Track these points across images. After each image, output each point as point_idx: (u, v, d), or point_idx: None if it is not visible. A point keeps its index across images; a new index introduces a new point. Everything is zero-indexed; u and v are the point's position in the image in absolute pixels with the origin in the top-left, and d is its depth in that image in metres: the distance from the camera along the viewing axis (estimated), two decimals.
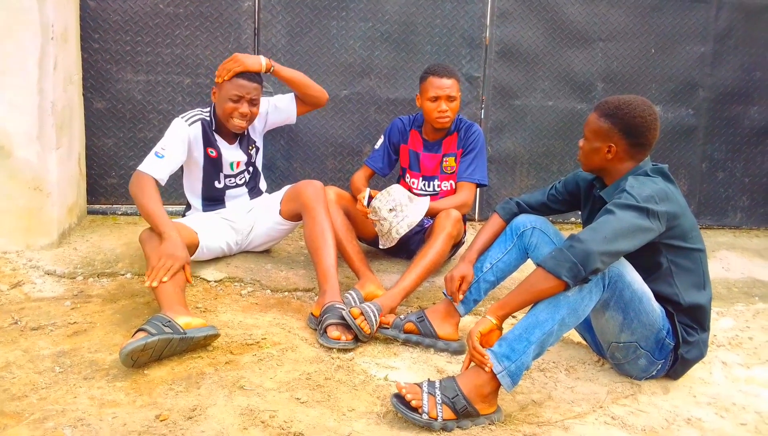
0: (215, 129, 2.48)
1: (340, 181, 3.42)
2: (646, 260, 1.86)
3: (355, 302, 2.27)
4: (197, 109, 2.49)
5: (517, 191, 3.66)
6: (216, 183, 2.51)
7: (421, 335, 2.11)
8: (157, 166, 2.26)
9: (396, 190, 2.46)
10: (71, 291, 2.31)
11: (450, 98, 2.61)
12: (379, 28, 3.34)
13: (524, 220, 2.09)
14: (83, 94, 3.02)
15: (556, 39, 3.56)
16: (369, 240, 2.76)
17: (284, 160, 3.34)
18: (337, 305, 2.12)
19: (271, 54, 3.22)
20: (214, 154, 2.45)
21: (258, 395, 1.70)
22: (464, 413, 1.65)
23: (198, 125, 2.42)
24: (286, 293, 2.49)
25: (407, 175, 2.84)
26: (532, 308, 1.76)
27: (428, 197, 2.56)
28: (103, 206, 3.14)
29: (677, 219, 1.83)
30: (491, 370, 1.67)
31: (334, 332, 2.03)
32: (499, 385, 1.68)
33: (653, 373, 1.94)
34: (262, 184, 2.78)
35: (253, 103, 2.42)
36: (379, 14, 3.33)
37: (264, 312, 2.28)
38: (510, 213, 2.17)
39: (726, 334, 2.44)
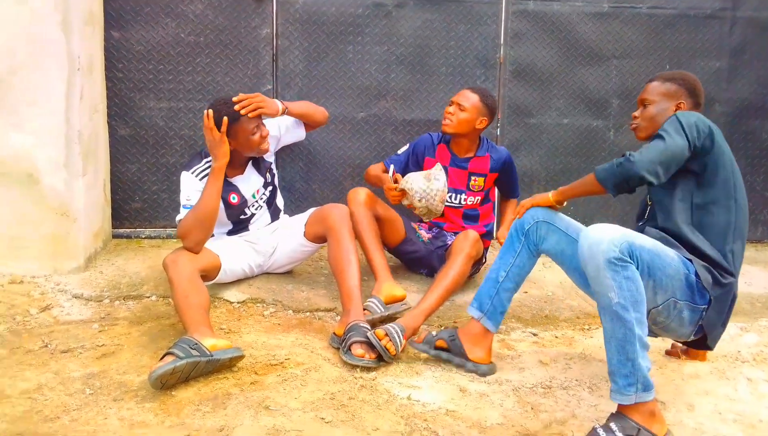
0: (225, 173, 2.44)
1: None
2: (673, 198, 1.91)
3: (378, 308, 2.34)
4: (199, 163, 2.45)
5: None
6: (242, 216, 2.57)
7: (451, 354, 2.13)
8: None
9: (412, 180, 2.51)
10: (98, 314, 2.37)
11: (460, 107, 2.72)
12: (395, 51, 3.40)
13: (527, 217, 2.11)
14: (108, 122, 3.11)
15: (569, 57, 3.59)
16: (392, 248, 2.81)
17: (303, 182, 3.39)
18: (362, 324, 2.15)
19: (289, 79, 3.30)
20: (236, 199, 2.51)
21: (283, 415, 1.72)
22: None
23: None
24: (308, 313, 2.52)
25: (436, 162, 2.87)
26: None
27: (438, 164, 2.62)
28: (128, 230, 3.20)
29: (714, 150, 1.86)
30: None
31: (358, 350, 2.05)
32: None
33: (700, 323, 1.85)
34: (279, 201, 2.82)
35: (263, 124, 2.50)
36: (394, 38, 3.39)
37: (287, 332, 2.31)
38: None
39: (750, 350, 2.42)
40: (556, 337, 2.49)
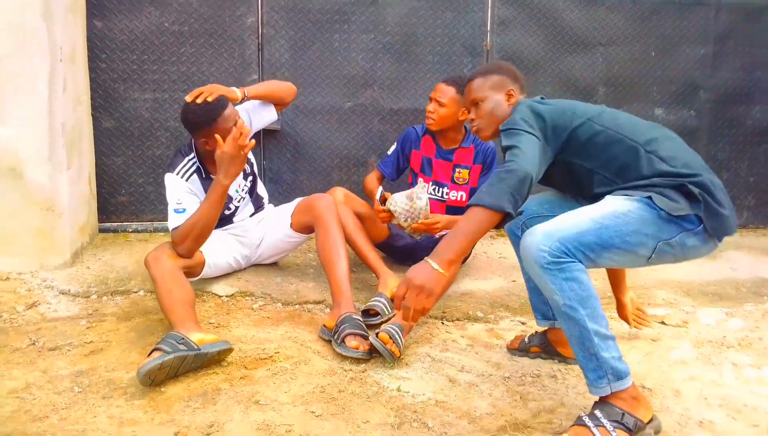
0: (207, 171, 2.43)
1: None
2: (575, 182, 1.87)
3: (386, 307, 2.37)
4: (181, 162, 2.40)
5: None
6: (227, 211, 2.53)
7: (549, 355, 2.18)
8: (184, 218, 2.27)
9: (396, 202, 2.51)
10: (86, 310, 2.35)
11: (439, 103, 2.71)
12: (381, 39, 3.38)
13: (513, 225, 2.08)
14: (92, 114, 3.07)
15: (556, 45, 3.59)
16: (377, 243, 2.80)
17: (290, 173, 3.38)
18: (354, 316, 2.15)
19: (275, 69, 3.27)
20: None
21: (273, 409, 1.72)
22: None
23: (195, 178, 2.39)
24: (297, 306, 2.51)
25: (419, 179, 2.87)
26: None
27: (420, 181, 2.62)
28: (114, 224, 3.18)
29: (565, 127, 1.81)
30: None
31: (352, 342, 2.06)
32: None
33: (701, 230, 1.70)
34: (261, 189, 2.77)
35: (239, 118, 2.37)
36: (381, 26, 3.37)
37: (276, 326, 2.31)
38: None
39: (736, 335, 2.45)
40: None
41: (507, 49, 3.53)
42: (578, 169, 1.85)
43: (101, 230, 3.14)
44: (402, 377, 1.97)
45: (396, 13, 3.37)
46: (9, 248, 2.57)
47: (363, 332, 2.10)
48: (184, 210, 2.29)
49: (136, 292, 2.53)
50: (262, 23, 3.23)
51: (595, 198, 1.79)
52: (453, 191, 2.84)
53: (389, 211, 2.54)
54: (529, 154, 1.69)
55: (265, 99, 2.65)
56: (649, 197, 1.68)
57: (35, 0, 2.48)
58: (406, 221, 2.52)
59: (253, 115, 2.65)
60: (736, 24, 3.75)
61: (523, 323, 2.54)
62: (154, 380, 1.77)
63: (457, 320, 2.53)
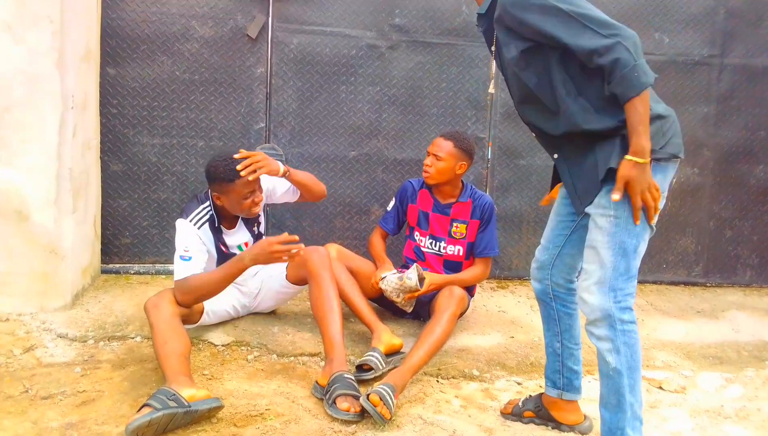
0: (219, 223, 2.47)
1: (348, 239, 3.48)
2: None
3: (380, 363, 2.38)
4: (196, 209, 2.43)
5: (523, 249, 3.69)
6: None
7: (542, 420, 2.15)
8: (189, 268, 2.27)
9: (387, 282, 2.66)
10: (82, 356, 2.36)
11: (436, 157, 2.75)
12: (387, 92, 3.44)
13: (534, 282, 2.10)
14: (100, 157, 3.13)
15: None
16: (370, 298, 2.81)
17: (293, 219, 3.41)
18: (346, 375, 2.15)
19: (282, 117, 3.33)
20: (225, 250, 2.50)
21: None
22: None
23: (206, 228, 2.42)
24: (292, 358, 2.51)
25: (416, 232, 2.93)
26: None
27: (415, 265, 2.66)
28: (117, 266, 3.21)
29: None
30: None
31: (343, 403, 2.05)
32: None
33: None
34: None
35: (260, 188, 2.43)
36: (387, 79, 3.44)
37: (269, 379, 2.31)
38: None
39: (734, 404, 2.42)
40: (540, 386, 2.48)
41: (509, 103, 3.57)
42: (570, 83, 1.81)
43: (104, 271, 3.17)
44: None
45: (402, 66, 3.44)
46: (10, 288, 2.60)
47: (355, 393, 2.09)
48: (190, 258, 2.31)
49: (133, 338, 2.54)
50: (271, 73, 3.30)
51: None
52: (450, 246, 2.86)
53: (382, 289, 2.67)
54: (610, 24, 1.69)
55: (301, 187, 2.66)
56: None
57: (50, 50, 2.56)
58: (398, 296, 2.66)
59: (279, 189, 2.67)
60: (740, 84, 3.79)
61: (518, 384, 2.52)
62: (142, 435, 1.77)
63: (452, 377, 2.51)
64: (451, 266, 2.86)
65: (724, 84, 3.79)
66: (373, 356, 2.40)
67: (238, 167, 2.29)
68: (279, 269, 2.63)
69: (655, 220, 1.75)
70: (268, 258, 2.19)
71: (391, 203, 2.99)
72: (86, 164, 2.91)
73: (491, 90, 3.56)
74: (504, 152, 3.61)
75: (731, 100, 3.81)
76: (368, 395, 2.03)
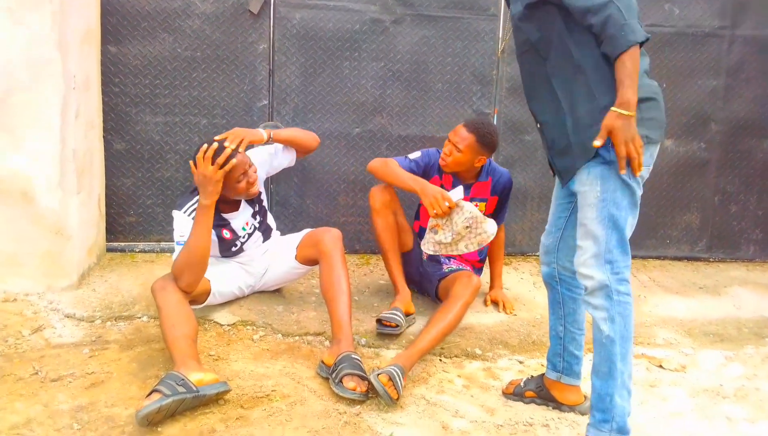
0: (218, 210, 2.44)
1: (351, 215, 3.49)
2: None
3: (402, 321, 2.55)
4: (190, 200, 2.41)
5: (527, 225, 3.69)
6: (233, 248, 2.56)
7: (543, 400, 2.19)
8: None
9: (469, 206, 2.49)
10: (89, 336, 2.40)
11: (456, 147, 2.68)
12: (391, 67, 3.40)
13: (543, 266, 2.12)
14: (103, 137, 3.12)
15: None
16: (401, 253, 2.84)
17: (297, 197, 3.41)
18: (353, 356, 2.18)
19: (285, 94, 3.30)
20: (228, 235, 2.51)
21: None
22: None
23: None
24: (297, 338, 2.55)
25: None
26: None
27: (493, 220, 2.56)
28: (122, 244, 3.23)
29: None
30: None
31: (350, 383, 2.08)
32: None
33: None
34: (271, 221, 2.80)
35: (251, 165, 2.42)
36: (391, 54, 3.39)
37: (275, 359, 2.34)
38: None
39: (733, 383, 2.45)
40: (542, 365, 2.50)
41: (516, 78, 3.53)
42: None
43: (109, 250, 3.19)
44: (396, 422, 2.00)
45: (406, 41, 3.39)
46: (18, 269, 2.63)
47: (361, 373, 2.12)
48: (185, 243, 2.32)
49: (140, 317, 2.58)
50: (274, 50, 3.26)
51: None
52: None
53: (454, 206, 2.47)
54: None
55: (289, 144, 2.70)
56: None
57: (51, 32, 2.53)
58: (466, 227, 2.46)
59: (275, 157, 2.69)
60: (750, 56, 3.73)
61: (521, 362, 2.55)
62: (152, 421, 1.81)
63: (455, 356, 2.55)
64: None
65: (734, 56, 3.72)
66: (395, 313, 2.54)
67: (218, 138, 2.34)
68: (288, 250, 2.64)
69: (639, 175, 1.77)
70: (208, 179, 2.21)
71: (416, 155, 2.83)
72: (89, 144, 2.90)
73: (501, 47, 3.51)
74: (509, 128, 3.58)
75: (741, 72, 3.75)
76: (378, 375, 2.06)
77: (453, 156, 2.69)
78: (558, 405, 2.17)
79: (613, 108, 1.68)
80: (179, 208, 2.41)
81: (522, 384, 2.23)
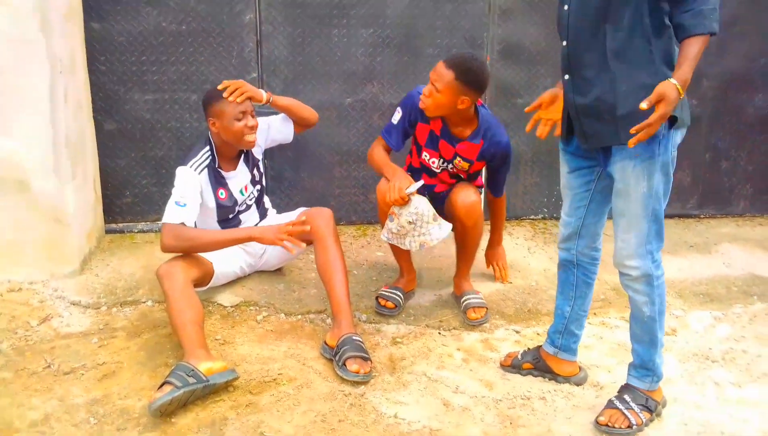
0: (219, 166, 2.51)
1: (347, 187, 3.50)
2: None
3: (400, 299, 2.68)
4: (197, 154, 2.46)
5: (521, 189, 3.72)
6: (230, 215, 2.59)
7: (540, 372, 2.28)
8: (183, 214, 2.32)
9: (423, 203, 2.41)
10: (97, 324, 2.45)
11: (434, 87, 2.40)
12: (381, 33, 3.35)
13: (561, 254, 2.17)
14: (93, 117, 3.09)
15: (558, 36, 3.53)
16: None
17: (292, 170, 3.41)
18: (354, 338, 2.25)
19: (274, 66, 3.26)
20: (224, 195, 2.52)
21: None
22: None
23: (206, 173, 2.45)
24: (300, 316, 2.61)
25: (424, 152, 2.70)
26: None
27: (450, 225, 2.46)
28: (120, 225, 3.25)
29: None
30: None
31: (353, 366, 2.16)
32: None
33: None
34: (267, 201, 2.85)
35: (253, 115, 2.49)
36: (381, 19, 3.33)
37: (279, 340, 2.41)
38: None
39: (721, 345, 2.55)
40: (538, 334, 2.61)
41: (508, 41, 3.49)
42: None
43: (107, 232, 3.21)
44: (399, 401, 2.08)
45: (396, 6, 3.32)
46: (20, 258, 2.66)
47: (363, 354, 2.20)
48: (186, 205, 2.35)
49: (145, 302, 2.62)
50: (260, 20, 3.19)
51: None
52: (456, 169, 2.72)
53: (407, 198, 2.39)
54: None
55: (287, 112, 2.71)
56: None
57: (32, 12, 2.47)
58: (410, 223, 2.40)
59: (272, 128, 2.72)
60: (743, 10, 3.68)
61: (517, 332, 2.63)
62: (165, 411, 1.88)
63: (454, 329, 2.62)
64: (457, 177, 2.77)
65: (726, 10, 3.65)
66: (395, 293, 2.70)
67: (224, 94, 2.42)
68: None
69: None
70: (273, 241, 2.30)
71: (397, 115, 2.63)
72: (80, 127, 2.87)
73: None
74: (501, 91, 3.56)
75: (733, 27, 3.70)
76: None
77: (432, 97, 2.42)
78: (554, 376, 2.26)
79: (671, 79, 1.66)
80: (185, 162, 2.44)
81: (519, 357, 2.32)
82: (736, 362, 2.43)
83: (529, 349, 2.35)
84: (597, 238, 2.14)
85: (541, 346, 2.31)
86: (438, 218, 2.44)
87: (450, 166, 2.73)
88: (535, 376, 2.28)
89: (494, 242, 3.04)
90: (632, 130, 1.69)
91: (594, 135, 1.89)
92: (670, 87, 1.64)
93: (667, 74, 1.73)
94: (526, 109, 2.17)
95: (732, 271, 3.32)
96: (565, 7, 1.91)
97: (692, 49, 1.67)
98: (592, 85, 1.86)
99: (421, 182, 2.46)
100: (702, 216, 3.95)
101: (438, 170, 2.75)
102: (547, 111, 2.08)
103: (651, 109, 1.66)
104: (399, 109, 2.65)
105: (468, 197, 2.59)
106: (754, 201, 4.00)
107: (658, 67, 1.77)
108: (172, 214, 2.32)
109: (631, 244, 1.89)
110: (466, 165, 2.69)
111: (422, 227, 2.41)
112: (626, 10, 1.78)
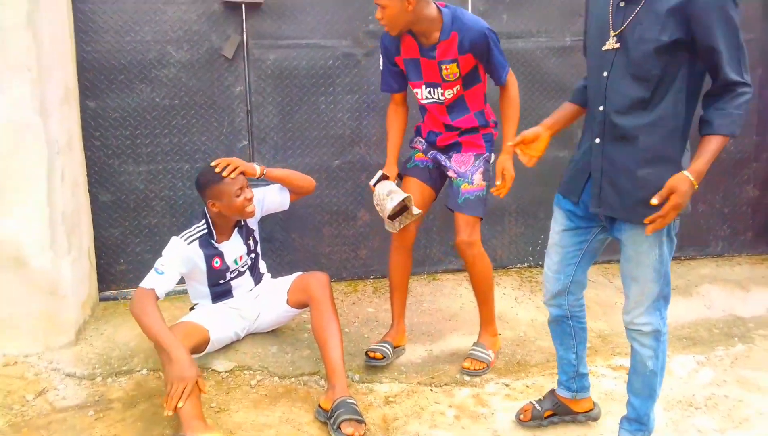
0: (214, 238, 2.60)
1: (337, 245, 3.59)
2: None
3: (389, 351, 2.75)
4: (193, 227, 2.57)
5: (507, 239, 3.83)
6: (221, 281, 2.67)
7: (561, 416, 2.38)
8: (157, 281, 2.39)
9: (379, 187, 2.69)
10: (93, 396, 2.49)
11: (380, 6, 2.45)
12: (366, 99, 3.50)
13: (552, 308, 2.26)
14: (89, 190, 3.19)
15: (535, 92, 3.72)
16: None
17: (282, 231, 3.51)
18: (349, 400, 2.30)
19: (265, 133, 3.39)
20: (218, 264, 2.61)
21: None
22: None
23: (196, 244, 2.54)
24: (293, 379, 2.66)
25: (414, 89, 2.72)
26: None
27: (403, 195, 2.58)
28: (114, 292, 3.31)
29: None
30: None
31: (348, 429, 2.21)
32: None
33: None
34: (262, 265, 2.93)
35: (249, 187, 2.59)
36: (365, 86, 3.49)
37: (274, 405, 2.45)
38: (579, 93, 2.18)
39: (703, 391, 2.61)
40: (527, 386, 2.67)
41: (489, 99, 3.64)
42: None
43: (101, 299, 3.27)
44: None
45: (377, 73, 3.48)
46: (15, 332, 2.70)
47: (358, 417, 2.25)
48: (163, 273, 2.42)
49: (140, 371, 2.67)
50: (250, 91, 3.34)
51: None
52: (447, 90, 2.64)
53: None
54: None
55: (283, 182, 2.80)
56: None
57: (30, 97, 2.59)
58: (376, 205, 2.71)
59: (267, 199, 2.81)
60: None
61: (507, 385, 2.69)
62: None
63: (445, 384, 2.68)
64: (455, 106, 2.70)
65: None
66: (384, 346, 2.75)
67: (217, 170, 2.51)
68: (280, 295, 2.75)
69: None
70: (170, 380, 2.19)
71: (380, 63, 2.79)
72: (77, 202, 2.97)
73: None
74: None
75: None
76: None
77: (384, 15, 2.45)
78: (574, 416, 2.38)
79: (685, 172, 1.73)
80: (178, 234, 2.54)
81: (538, 407, 2.38)
82: (718, 408, 2.49)
83: (543, 397, 2.43)
84: (584, 288, 2.25)
85: (553, 390, 2.40)
86: (391, 194, 2.63)
87: (438, 91, 2.64)
88: (556, 423, 2.36)
89: (505, 149, 2.64)
90: (646, 221, 1.76)
91: (611, 204, 1.93)
92: (682, 180, 1.71)
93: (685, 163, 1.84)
94: (509, 143, 2.30)
95: (713, 312, 3.42)
96: (605, 74, 1.90)
97: (713, 147, 1.75)
98: (624, 155, 1.88)
99: (380, 173, 2.77)
100: (683, 258, 4.06)
101: (426, 101, 2.71)
102: (528, 147, 2.11)
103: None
104: (381, 57, 2.78)
105: (465, 237, 2.70)
106: (731, 241, 4.13)
107: (680, 157, 1.84)
108: (148, 279, 2.41)
109: (643, 305, 1.98)
110: (453, 67, 2.57)
111: (381, 206, 2.66)
112: (665, 89, 1.80)
